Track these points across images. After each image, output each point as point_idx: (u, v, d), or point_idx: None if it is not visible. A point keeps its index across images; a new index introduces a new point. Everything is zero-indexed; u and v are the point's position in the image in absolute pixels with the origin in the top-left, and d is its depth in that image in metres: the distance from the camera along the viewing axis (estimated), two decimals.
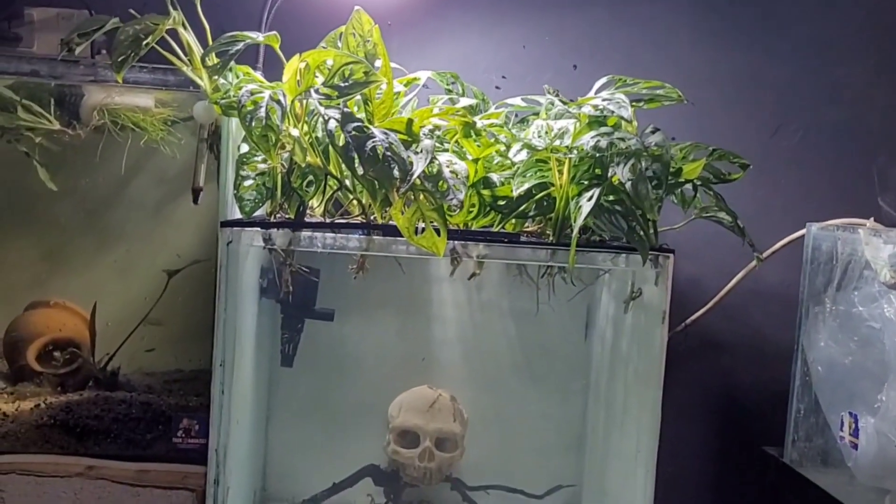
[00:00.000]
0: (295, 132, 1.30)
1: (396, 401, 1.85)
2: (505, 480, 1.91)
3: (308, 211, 1.53)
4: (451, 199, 1.28)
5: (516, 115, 1.73)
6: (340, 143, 1.22)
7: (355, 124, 1.22)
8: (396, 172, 1.19)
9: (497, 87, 1.98)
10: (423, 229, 1.32)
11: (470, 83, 1.75)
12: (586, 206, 1.35)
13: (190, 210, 1.66)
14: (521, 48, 1.99)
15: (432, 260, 1.85)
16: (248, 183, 1.50)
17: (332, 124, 1.22)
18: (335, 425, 1.90)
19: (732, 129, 1.99)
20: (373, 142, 1.20)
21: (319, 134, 1.41)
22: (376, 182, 1.20)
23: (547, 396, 1.93)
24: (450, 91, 1.73)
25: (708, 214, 1.57)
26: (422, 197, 1.29)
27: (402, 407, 1.82)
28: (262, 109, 1.27)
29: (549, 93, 1.74)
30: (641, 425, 1.54)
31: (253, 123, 1.26)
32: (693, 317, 1.90)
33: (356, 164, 1.20)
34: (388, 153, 1.20)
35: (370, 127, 1.23)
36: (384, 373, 1.90)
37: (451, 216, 1.46)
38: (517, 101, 1.69)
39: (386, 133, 1.24)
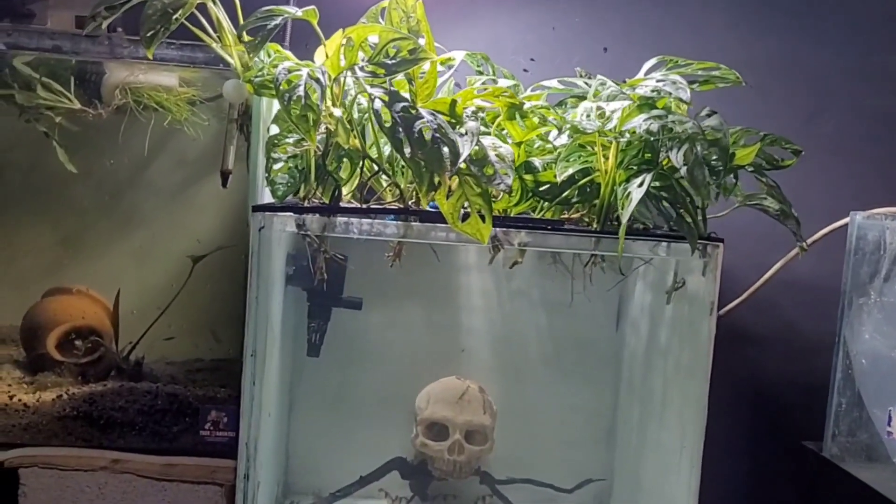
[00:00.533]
0: (338, 112, 1.24)
1: (424, 392, 1.80)
2: (533, 473, 1.86)
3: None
4: (500, 184, 1.22)
5: (546, 99, 1.68)
6: (387, 124, 1.16)
7: (403, 104, 1.16)
8: (447, 154, 1.13)
9: (525, 70, 1.94)
10: (466, 215, 1.26)
11: (498, 65, 1.69)
12: (636, 192, 1.30)
13: (214, 194, 1.60)
14: (551, 30, 1.95)
15: (462, 247, 1.80)
16: (278, 166, 1.43)
17: (379, 104, 1.16)
18: (361, 417, 1.85)
19: (766, 114, 1.94)
20: (421, 123, 1.14)
21: (356, 115, 1.36)
22: (423, 165, 1.14)
23: (576, 388, 1.89)
24: (480, 72, 1.67)
25: (753, 202, 1.51)
26: (467, 181, 1.24)
27: (431, 398, 1.78)
28: (301, 88, 1.21)
29: (581, 76, 1.69)
30: (686, 419, 1.50)
31: (291, 103, 1.20)
32: (727, 307, 1.84)
33: (404, 146, 1.14)
34: (437, 135, 1.14)
35: (417, 107, 1.17)
36: (412, 363, 1.85)
37: (493, 202, 1.41)
38: (553, 83, 1.63)
39: (433, 114, 1.18)
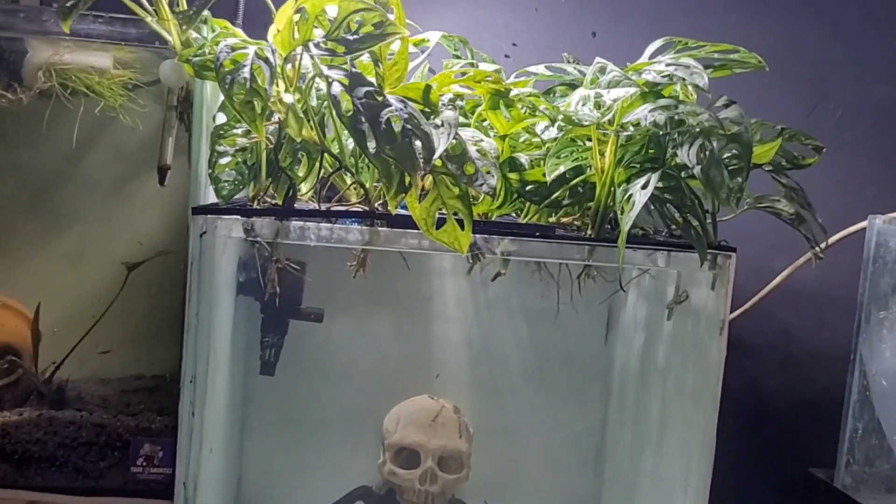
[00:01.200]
0: (289, 98, 1.04)
1: (393, 413, 1.63)
2: (512, 501, 1.72)
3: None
4: (482, 185, 1.03)
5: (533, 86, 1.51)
6: (347, 113, 0.97)
7: (366, 89, 0.96)
8: (420, 149, 0.94)
9: (507, 56, 1.80)
10: (443, 221, 1.08)
11: (477, 50, 1.53)
12: (640, 195, 1.12)
13: (155, 192, 1.42)
14: (534, 12, 1.81)
15: (437, 253, 1.63)
16: (224, 161, 1.24)
17: (337, 88, 0.97)
18: (323, 441, 1.68)
19: (764, 105, 1.79)
20: (388, 111, 0.95)
21: (314, 102, 1.17)
22: (393, 163, 0.95)
23: (561, 405, 1.74)
24: (458, 57, 1.50)
25: (764, 205, 1.35)
26: (443, 182, 1.05)
27: (401, 420, 1.61)
28: (246, 69, 1.01)
29: (568, 62, 1.53)
30: (691, 450, 1.34)
31: (234, 87, 1.00)
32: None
33: (367, 140, 0.94)
34: (408, 126, 0.95)
35: (384, 93, 0.98)
36: (380, 381, 1.68)
37: (472, 205, 1.23)
38: (540, 68, 1.46)
39: (404, 101, 0.98)
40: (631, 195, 1.14)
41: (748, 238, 1.60)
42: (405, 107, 0.97)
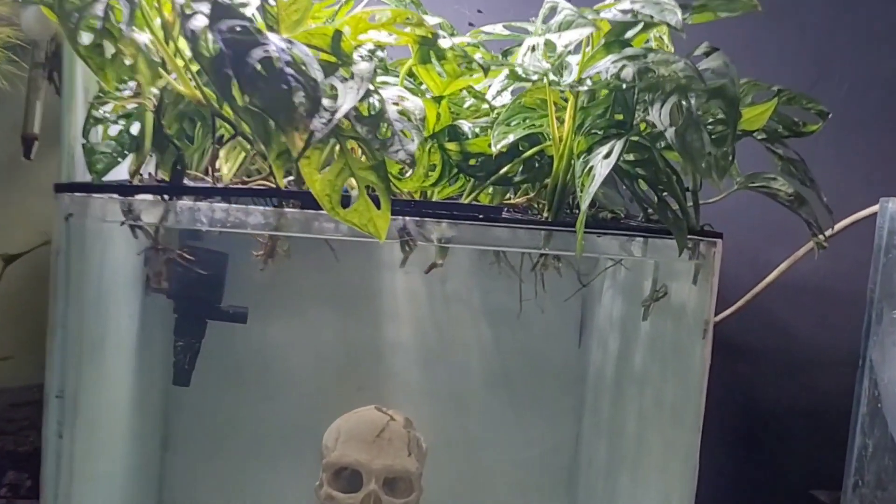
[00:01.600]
0: (143, 38, 0.83)
1: (333, 427, 1.47)
2: None
3: (216, 175, 1.08)
4: (397, 152, 0.82)
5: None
6: (209, 54, 0.76)
7: (235, 22, 0.75)
8: (301, 99, 0.72)
9: (470, 24, 1.64)
10: (356, 198, 0.87)
11: (433, 14, 1.34)
12: (602, 166, 0.91)
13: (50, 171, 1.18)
14: None
15: (385, 242, 1.44)
16: (114, 130, 1.04)
17: (199, 21, 0.75)
18: (253, 462, 1.53)
19: (762, 77, 1.64)
20: (264, 50, 0.73)
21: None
22: (266, 115, 0.74)
23: (529, 417, 1.61)
24: None
25: (757, 184, 1.15)
26: (361, 148, 0.84)
27: (341, 436, 1.44)
28: (100, 6, 0.80)
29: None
30: (672, 472, 1.15)
31: (79, 28, 0.79)
32: (717, 317, 1.50)
33: (233, 88, 0.73)
34: (289, 70, 0.73)
35: (262, 31, 0.76)
36: (318, 391, 1.54)
37: (399, 180, 1.02)
38: (497, 28, 1.27)
39: (289, 42, 0.77)
40: (592, 167, 0.93)
41: (740, 224, 1.52)
42: (290, 47, 0.75)
